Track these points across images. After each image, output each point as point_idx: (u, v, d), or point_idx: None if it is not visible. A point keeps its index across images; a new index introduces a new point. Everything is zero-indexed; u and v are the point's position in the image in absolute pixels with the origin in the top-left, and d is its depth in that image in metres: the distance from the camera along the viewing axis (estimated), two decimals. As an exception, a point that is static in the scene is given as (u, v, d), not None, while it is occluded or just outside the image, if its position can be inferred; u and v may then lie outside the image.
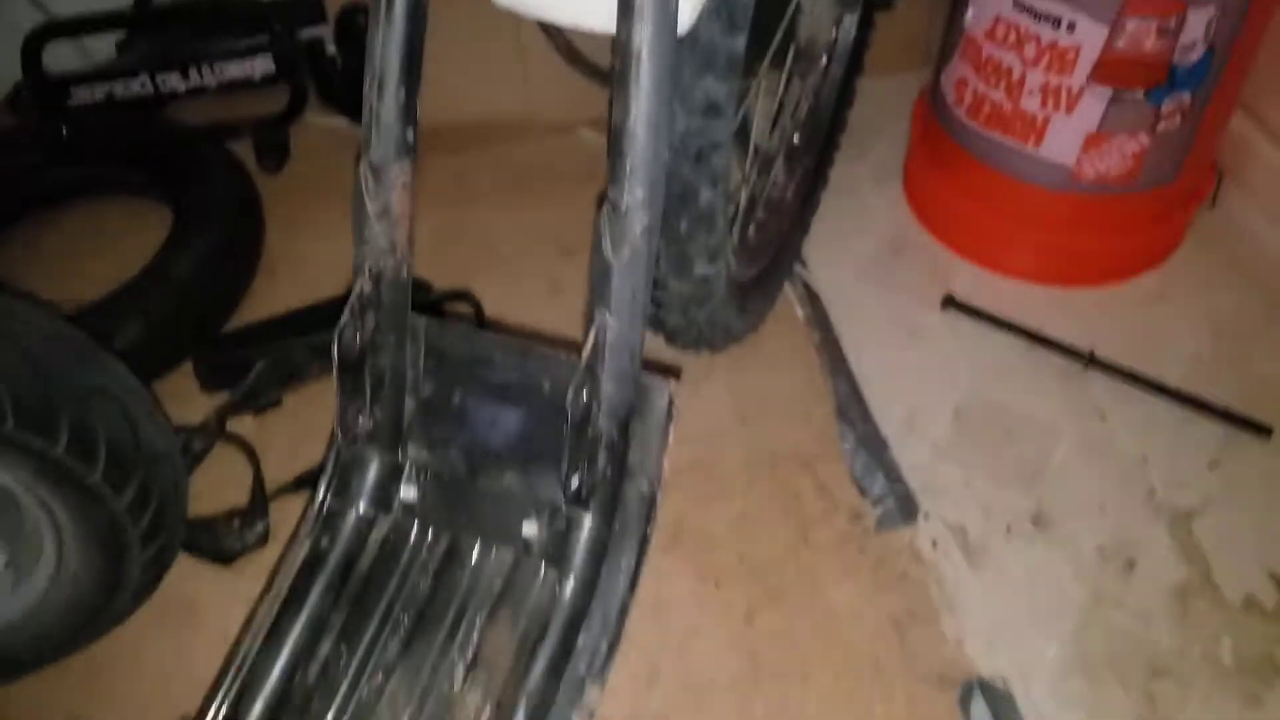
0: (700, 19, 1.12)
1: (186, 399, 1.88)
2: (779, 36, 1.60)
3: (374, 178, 1.06)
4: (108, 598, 1.39)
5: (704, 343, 1.74)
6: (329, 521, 1.12)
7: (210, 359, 1.89)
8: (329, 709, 1.03)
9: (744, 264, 1.77)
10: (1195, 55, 1.66)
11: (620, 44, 0.91)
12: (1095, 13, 1.62)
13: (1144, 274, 2.03)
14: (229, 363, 1.87)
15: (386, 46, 1.01)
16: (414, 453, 1.12)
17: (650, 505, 1.08)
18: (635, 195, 0.95)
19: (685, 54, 1.16)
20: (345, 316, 1.09)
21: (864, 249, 2.12)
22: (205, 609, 1.60)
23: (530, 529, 1.07)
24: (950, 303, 1.96)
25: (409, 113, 1.06)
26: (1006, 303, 1.97)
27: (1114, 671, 1.51)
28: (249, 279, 2.10)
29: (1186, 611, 1.56)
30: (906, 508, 1.70)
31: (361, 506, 1.13)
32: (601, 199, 1.00)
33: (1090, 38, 1.65)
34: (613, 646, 1.04)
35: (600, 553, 1.06)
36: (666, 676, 1.58)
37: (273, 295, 2.10)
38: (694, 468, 1.80)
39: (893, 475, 1.73)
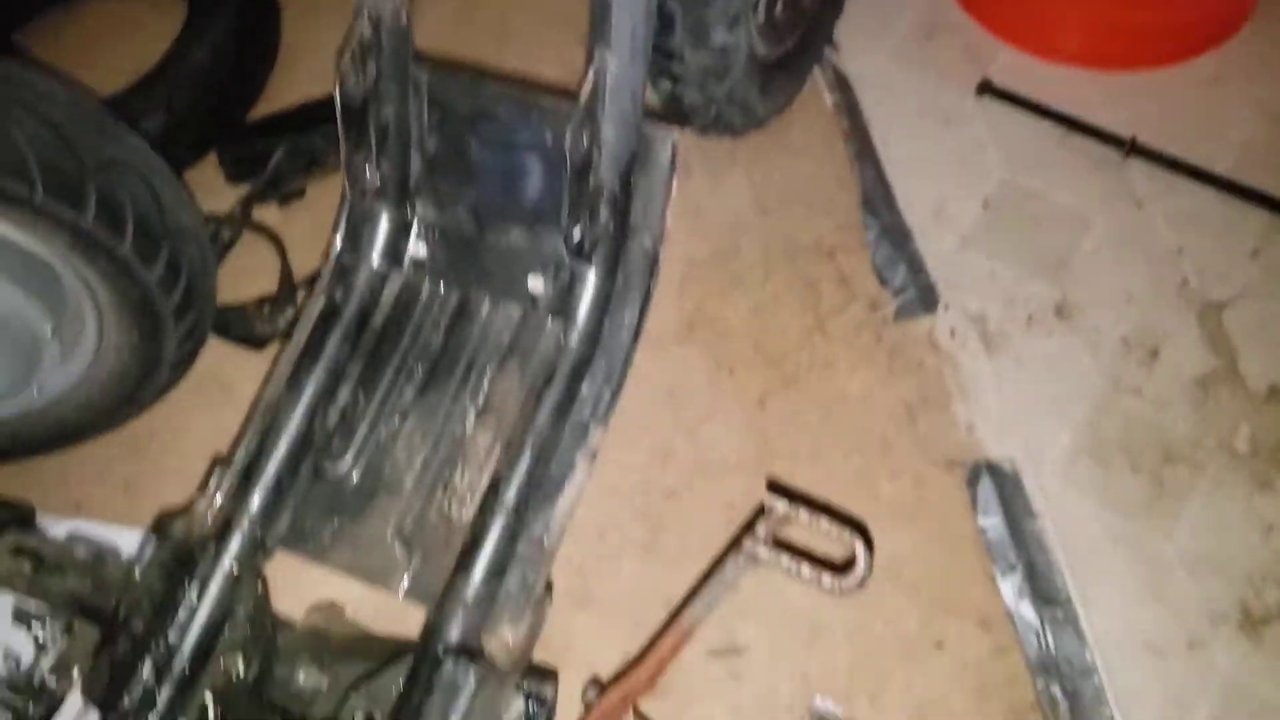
0: None
1: (213, 190, 1.83)
2: None
3: None
4: (147, 371, 1.40)
5: (724, 125, 1.62)
6: (342, 275, 1.10)
7: (233, 149, 1.83)
8: (349, 449, 1.05)
9: (769, 42, 1.61)
10: None
11: None
12: None
13: (1200, 56, 1.83)
14: (252, 153, 1.81)
15: None
16: (422, 210, 1.09)
17: (653, 260, 1.04)
18: None
19: None
20: (345, 61, 1.02)
21: (898, 31, 1.93)
22: (239, 389, 1.61)
23: (536, 283, 1.05)
24: (986, 88, 1.79)
25: None
26: (1046, 88, 1.79)
27: (1125, 457, 1.47)
28: (267, 68, 2.00)
29: (1207, 399, 1.49)
30: (927, 298, 1.62)
31: (374, 261, 1.10)
32: None
33: None
34: (615, 394, 1.03)
35: (603, 305, 1.03)
36: (679, 457, 1.57)
37: (293, 87, 2.00)
38: (713, 259, 1.72)
39: (915, 265, 1.64)
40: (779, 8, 1.67)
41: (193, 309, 1.34)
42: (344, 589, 1.50)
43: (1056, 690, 1.35)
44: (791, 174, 1.77)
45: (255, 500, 1.03)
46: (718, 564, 0.94)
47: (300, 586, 1.52)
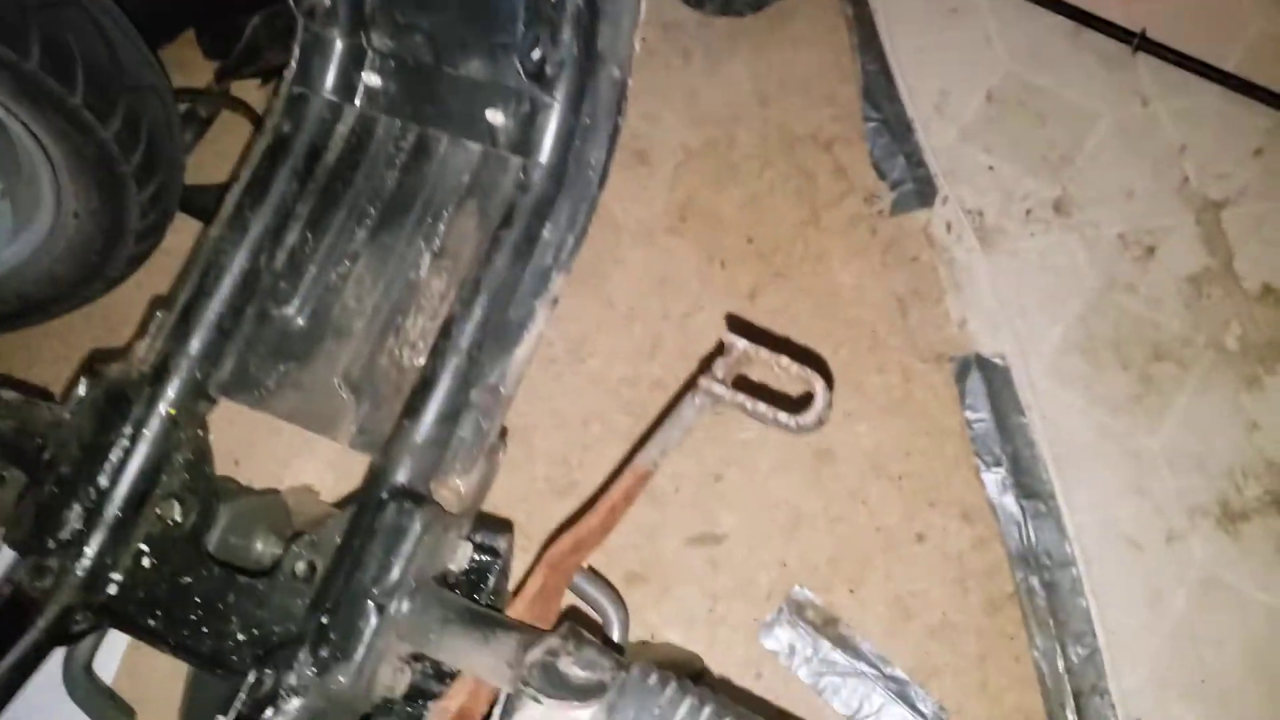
0: None
1: (192, 68, 1.70)
2: None
3: None
4: (111, 241, 1.30)
5: (724, 3, 1.49)
6: (293, 106, 0.99)
7: (211, 24, 1.69)
8: (296, 292, 0.95)
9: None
10: None
11: None
12: None
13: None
14: (230, 29, 1.67)
15: None
16: (377, 39, 0.97)
17: (621, 93, 0.93)
18: None
19: None
20: None
21: (908, -81, 1.79)
22: (220, 268, 1.52)
23: (496, 116, 0.93)
24: (996, -23, 1.67)
25: None
26: (1058, -21, 1.67)
27: (1116, 353, 1.41)
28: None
29: (1200, 298, 1.43)
30: (924, 191, 1.53)
31: (326, 91, 0.99)
32: None
33: None
34: (579, 239, 0.93)
35: (568, 141, 0.93)
36: (667, 347, 1.50)
37: (274, -38, 1.86)
38: (708, 150, 1.62)
39: (914, 159, 1.55)
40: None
41: (157, 172, 1.24)
42: (319, 476, 1.46)
43: (1035, 581, 1.32)
44: (793, 63, 1.65)
45: (195, 343, 0.93)
46: (675, 404, 0.86)
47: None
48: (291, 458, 1.46)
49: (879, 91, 1.60)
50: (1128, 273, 1.45)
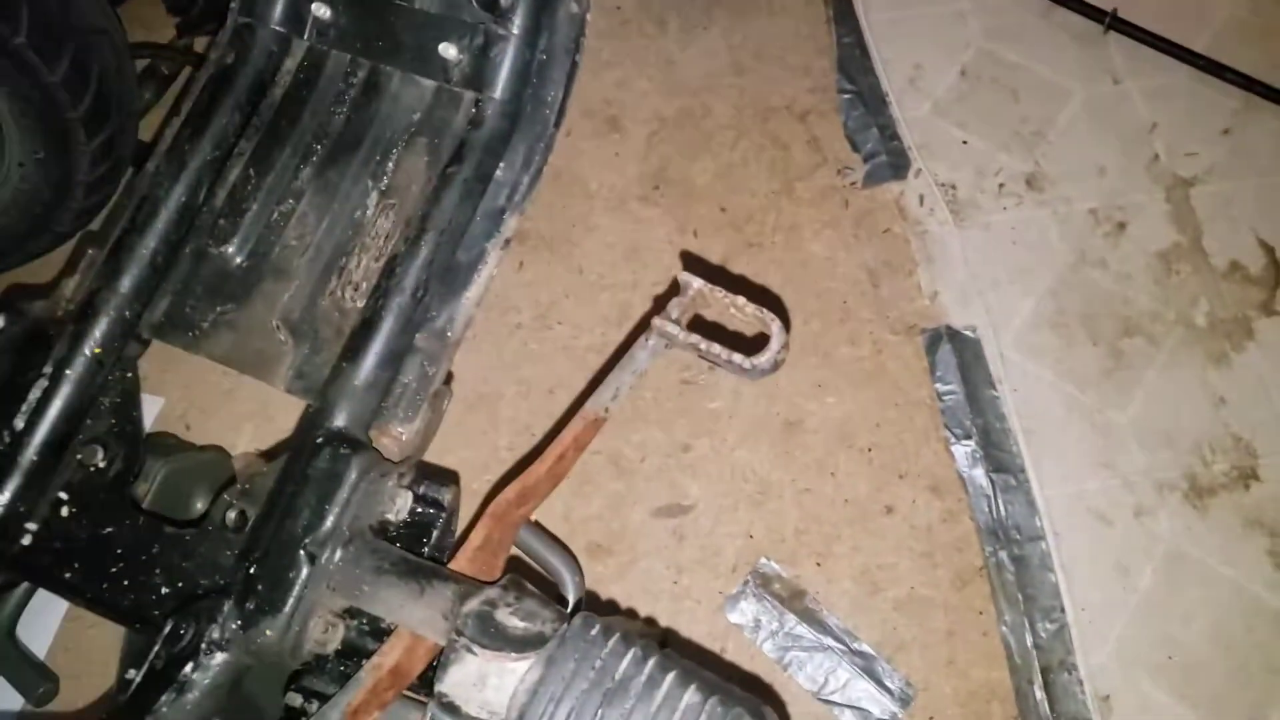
0: None
1: (155, 24, 1.60)
2: None
3: None
4: (59, 192, 1.20)
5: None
6: (238, 37, 0.90)
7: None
8: (236, 231, 0.86)
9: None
10: None
11: None
12: None
13: (1188, -65, 1.66)
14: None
15: None
16: None
17: (580, 28, 0.85)
18: None
19: None
20: None
21: (885, -102, 1.73)
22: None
23: (449, 50, 0.85)
24: (971, -44, 1.61)
25: None
26: (1032, -41, 1.61)
27: (1086, 327, 1.35)
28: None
29: (1169, 274, 1.37)
30: (897, 164, 1.46)
31: (273, 22, 0.89)
32: None
33: None
34: (534, 179, 0.85)
35: (524, 76, 0.85)
36: (636, 316, 1.42)
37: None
38: (682, 119, 1.54)
39: (888, 131, 1.48)
40: None
41: (108, 121, 1.14)
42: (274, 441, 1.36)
43: (1004, 555, 1.25)
44: (769, 34, 1.58)
45: (126, 280, 0.83)
46: (627, 346, 0.78)
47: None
48: (244, 422, 1.37)
49: (854, 64, 1.53)
50: (1099, 248, 1.39)
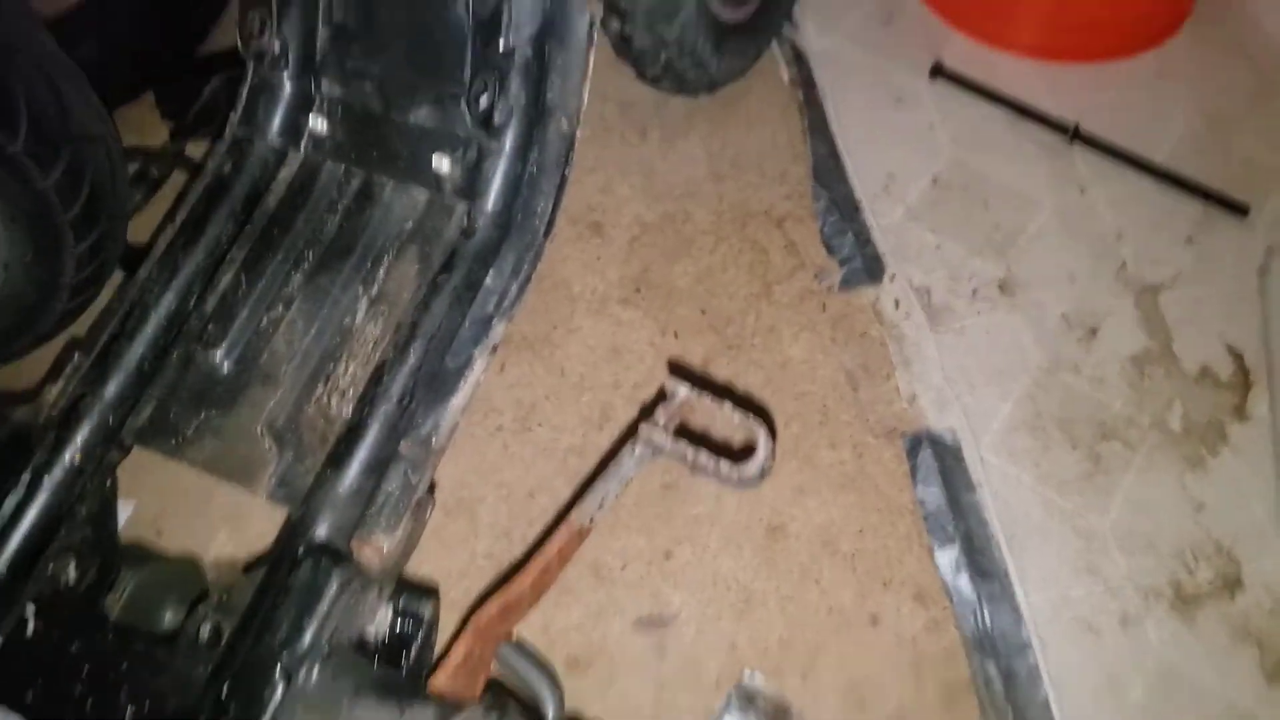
0: None
1: (147, 128, 1.68)
2: None
3: None
4: (44, 294, 1.23)
5: (676, 77, 1.52)
6: (235, 150, 0.96)
7: (171, 86, 1.68)
8: (225, 337, 0.89)
9: (728, 7, 1.53)
10: None
11: None
12: None
13: (1143, 54, 1.80)
14: (189, 91, 1.66)
15: None
16: (327, 85, 0.95)
17: (569, 145, 0.92)
18: None
19: None
20: None
21: (857, 15, 1.87)
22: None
23: (442, 163, 0.91)
24: (939, 71, 1.74)
25: None
26: (996, 75, 1.74)
27: (1063, 431, 1.40)
28: (217, 10, 1.85)
29: (1143, 378, 1.44)
30: (873, 268, 1.54)
31: (271, 136, 0.96)
32: None
33: None
34: (522, 288, 0.90)
35: (514, 188, 0.91)
36: (617, 418, 1.46)
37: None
38: (663, 224, 1.63)
39: (862, 237, 1.57)
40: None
41: (97, 225, 1.19)
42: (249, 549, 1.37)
43: (992, 668, 1.27)
44: (746, 142, 1.68)
45: (112, 387, 0.86)
46: (613, 455, 0.81)
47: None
48: (218, 528, 1.37)
49: (828, 172, 1.63)
50: (1072, 352, 1.46)
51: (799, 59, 1.77)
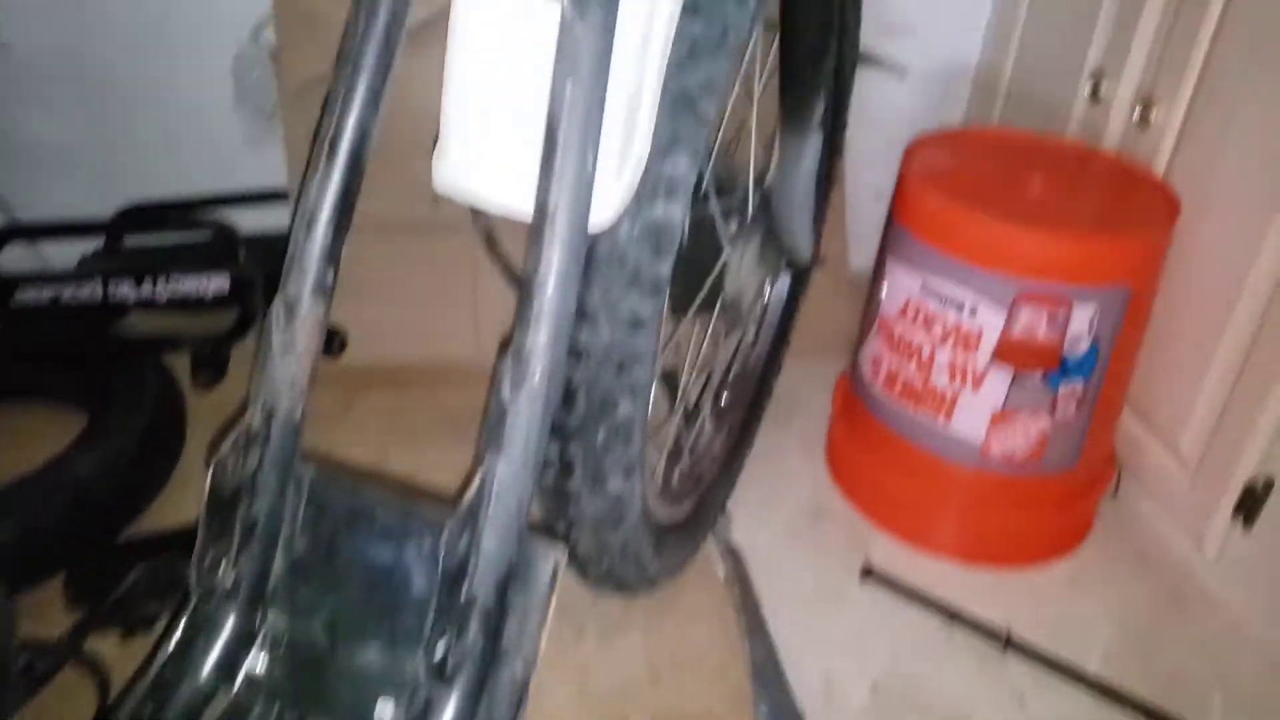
0: (630, 241, 1.15)
1: (48, 614, 1.64)
2: (707, 284, 1.66)
3: (286, 313, 1.00)
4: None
5: (616, 579, 1.60)
6: (157, 690, 0.92)
7: (84, 570, 1.68)
8: None
9: (666, 506, 1.68)
10: (1082, 347, 1.73)
11: (538, 199, 0.91)
12: (994, 300, 1.70)
13: (1058, 559, 1.98)
14: (104, 577, 1.66)
15: (321, 189, 0.99)
16: (273, 619, 0.96)
17: (522, 692, 0.92)
18: (539, 339, 0.89)
19: (614, 272, 1.16)
20: (227, 448, 0.98)
21: (786, 514, 2.05)
22: None
23: (386, 708, 0.89)
24: (869, 574, 1.87)
25: (333, 255, 1.00)
26: (926, 576, 1.87)
27: None
28: (152, 491, 1.93)
29: None
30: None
31: (202, 676, 0.93)
32: (504, 344, 0.95)
33: (991, 322, 1.72)
34: None
35: None
36: None
37: (182, 508, 1.93)
38: (598, 731, 1.58)
39: (808, 751, 1.54)
40: (676, 476, 1.78)
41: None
42: None
43: None
44: (684, 639, 1.72)
45: None
46: None
47: None
48: None
49: (767, 675, 1.64)
50: None
51: (732, 555, 1.89)
